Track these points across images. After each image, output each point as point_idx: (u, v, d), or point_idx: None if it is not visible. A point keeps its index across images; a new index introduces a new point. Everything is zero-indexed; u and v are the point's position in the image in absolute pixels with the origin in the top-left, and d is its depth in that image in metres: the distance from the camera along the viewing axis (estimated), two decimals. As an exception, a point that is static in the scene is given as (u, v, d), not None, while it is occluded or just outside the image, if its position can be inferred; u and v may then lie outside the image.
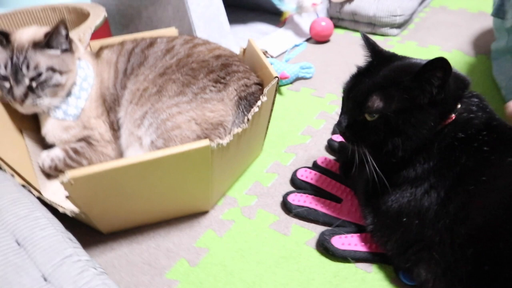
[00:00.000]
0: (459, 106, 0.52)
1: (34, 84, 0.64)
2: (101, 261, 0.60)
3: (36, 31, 0.67)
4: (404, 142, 0.49)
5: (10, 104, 0.66)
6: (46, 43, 0.64)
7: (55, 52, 0.66)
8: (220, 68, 0.68)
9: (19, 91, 0.63)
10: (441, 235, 0.47)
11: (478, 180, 0.46)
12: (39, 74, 0.64)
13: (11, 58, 0.63)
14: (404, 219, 0.51)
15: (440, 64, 0.46)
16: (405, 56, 0.56)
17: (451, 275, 0.46)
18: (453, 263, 0.46)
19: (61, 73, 0.66)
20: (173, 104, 0.64)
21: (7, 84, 0.63)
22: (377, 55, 0.55)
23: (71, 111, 0.70)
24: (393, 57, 0.55)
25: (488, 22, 1.23)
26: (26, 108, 0.66)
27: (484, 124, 0.50)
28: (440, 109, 0.49)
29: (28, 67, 0.63)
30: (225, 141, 0.56)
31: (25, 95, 0.64)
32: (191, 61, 0.69)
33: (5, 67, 0.62)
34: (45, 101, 0.66)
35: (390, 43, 1.19)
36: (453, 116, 0.51)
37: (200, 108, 0.64)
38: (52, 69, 0.65)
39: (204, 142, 0.53)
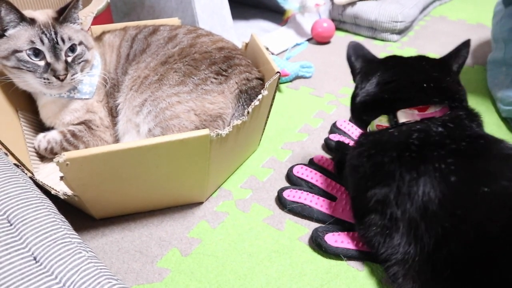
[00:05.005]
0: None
1: (69, 59, 0.63)
2: (92, 246, 0.59)
3: (43, 11, 0.65)
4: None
5: (44, 86, 0.62)
6: (64, 17, 0.63)
7: (77, 27, 0.65)
8: (222, 61, 0.68)
9: (60, 65, 0.61)
10: (417, 254, 0.47)
11: (458, 211, 0.45)
12: (73, 48, 0.63)
13: (44, 34, 0.61)
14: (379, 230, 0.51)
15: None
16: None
17: None
18: (430, 281, 0.46)
19: (88, 48, 0.66)
20: (173, 93, 0.64)
21: (41, 63, 0.61)
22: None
23: (86, 89, 0.69)
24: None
25: (486, 34, 1.25)
26: (64, 86, 0.64)
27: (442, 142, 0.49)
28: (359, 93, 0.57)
29: (63, 40, 0.62)
30: (224, 131, 0.56)
31: (66, 70, 0.62)
32: (194, 52, 0.69)
33: (41, 42, 0.60)
34: (79, 77, 0.65)
35: (389, 49, 1.20)
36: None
37: (200, 99, 0.64)
38: (83, 44, 0.65)
39: (204, 131, 0.53)
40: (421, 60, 0.58)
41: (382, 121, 0.55)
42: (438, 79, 0.54)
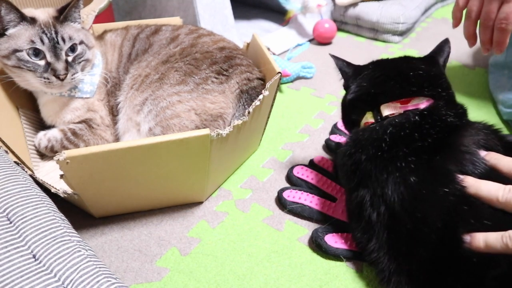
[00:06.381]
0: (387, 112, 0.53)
1: (70, 59, 0.63)
2: (91, 244, 0.59)
3: (44, 9, 0.65)
4: None
5: (44, 85, 0.63)
6: (65, 16, 0.63)
7: (77, 26, 0.65)
8: (223, 60, 0.68)
9: (60, 65, 0.61)
10: (392, 262, 0.48)
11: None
12: (73, 48, 0.63)
13: (45, 33, 0.61)
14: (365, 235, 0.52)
15: None
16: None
17: None
18: None
19: (89, 48, 0.66)
20: (174, 92, 0.64)
21: (41, 62, 0.61)
22: None
23: (87, 88, 0.69)
24: None
25: (488, 36, 1.25)
26: (64, 85, 0.64)
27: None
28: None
29: (63, 40, 0.62)
30: (225, 131, 0.56)
31: (66, 69, 0.62)
32: (195, 51, 0.69)
33: (42, 42, 0.60)
34: (79, 76, 0.65)
35: (391, 50, 1.20)
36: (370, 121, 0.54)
37: (200, 98, 0.64)
38: (84, 43, 0.65)
39: (204, 131, 0.53)
40: (407, 57, 0.60)
41: (368, 119, 0.55)
42: (423, 69, 0.55)
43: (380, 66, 0.59)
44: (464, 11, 0.70)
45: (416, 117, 0.49)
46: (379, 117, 0.53)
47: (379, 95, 0.54)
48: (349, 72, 0.60)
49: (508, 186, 0.42)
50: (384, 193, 0.47)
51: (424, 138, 0.48)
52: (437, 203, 0.44)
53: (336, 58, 0.63)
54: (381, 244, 0.48)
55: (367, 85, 0.56)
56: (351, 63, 0.62)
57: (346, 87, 0.62)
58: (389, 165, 0.48)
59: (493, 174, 0.44)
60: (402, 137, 0.49)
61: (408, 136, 0.48)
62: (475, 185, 0.43)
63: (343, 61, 0.62)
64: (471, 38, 0.69)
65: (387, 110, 0.53)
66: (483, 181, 0.43)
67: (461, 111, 0.52)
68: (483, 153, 0.46)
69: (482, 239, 0.41)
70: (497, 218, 0.42)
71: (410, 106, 0.52)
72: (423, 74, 0.54)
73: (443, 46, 0.60)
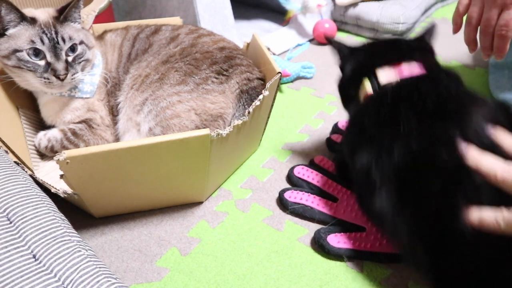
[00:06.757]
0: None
1: (70, 59, 0.63)
2: (91, 244, 0.59)
3: (44, 9, 0.65)
4: None
5: (44, 85, 0.63)
6: (65, 16, 0.63)
7: (77, 26, 0.66)
8: (223, 60, 0.68)
9: (60, 65, 0.61)
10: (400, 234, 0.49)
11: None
12: (74, 48, 0.63)
13: (45, 33, 0.61)
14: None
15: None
16: None
17: None
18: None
19: (89, 48, 0.66)
20: (174, 92, 0.64)
21: (41, 62, 0.61)
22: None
23: (87, 88, 0.69)
24: None
25: (488, 36, 1.25)
26: (64, 85, 0.64)
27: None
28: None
29: (64, 40, 0.62)
30: (225, 131, 0.56)
31: (66, 69, 0.62)
32: (195, 51, 0.69)
33: (42, 42, 0.60)
34: (80, 76, 0.65)
35: (391, 50, 1.20)
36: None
37: (200, 98, 0.64)
38: (84, 43, 0.65)
39: (204, 131, 0.53)
40: (399, 38, 0.67)
41: (366, 88, 0.56)
42: (411, 40, 0.62)
43: (373, 43, 0.65)
44: (465, 17, 0.71)
45: (415, 83, 0.52)
46: (377, 85, 0.55)
47: (373, 62, 0.57)
48: (346, 51, 0.64)
49: (510, 166, 0.41)
50: (387, 158, 0.48)
51: (425, 103, 0.48)
52: (439, 169, 0.44)
53: (333, 41, 0.66)
54: (385, 210, 0.48)
55: (361, 58, 0.60)
56: (348, 45, 0.65)
57: (342, 67, 0.65)
58: (390, 131, 0.49)
59: (497, 150, 0.44)
60: (402, 101, 0.50)
61: (407, 102, 0.49)
62: (477, 157, 0.42)
63: (340, 42, 0.65)
64: (471, 44, 0.70)
65: (383, 76, 0.55)
66: (486, 155, 0.42)
67: (459, 80, 0.54)
68: (490, 128, 0.45)
69: (476, 215, 0.40)
70: (496, 196, 0.41)
71: (406, 72, 0.54)
72: (410, 44, 0.61)
73: (431, 29, 0.65)
